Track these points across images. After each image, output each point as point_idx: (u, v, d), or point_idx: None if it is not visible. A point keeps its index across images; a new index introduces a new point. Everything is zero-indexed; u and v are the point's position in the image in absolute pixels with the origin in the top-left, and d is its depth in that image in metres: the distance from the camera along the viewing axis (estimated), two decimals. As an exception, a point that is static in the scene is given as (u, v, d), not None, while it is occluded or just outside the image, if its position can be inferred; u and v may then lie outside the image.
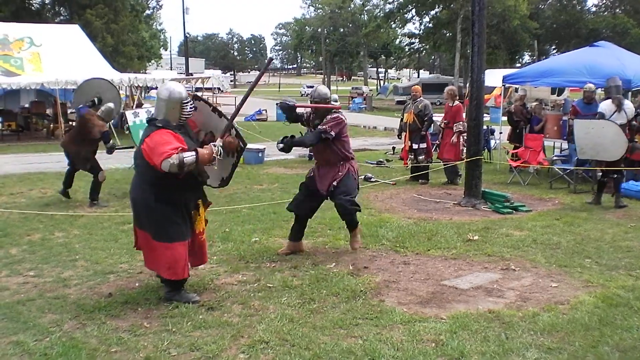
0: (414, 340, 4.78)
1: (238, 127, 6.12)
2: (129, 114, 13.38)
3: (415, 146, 12.84)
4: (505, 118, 15.80)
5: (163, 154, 5.15)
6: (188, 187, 5.58)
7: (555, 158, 13.06)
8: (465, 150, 11.65)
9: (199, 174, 5.62)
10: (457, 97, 13.20)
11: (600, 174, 10.40)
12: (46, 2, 42.19)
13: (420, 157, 12.81)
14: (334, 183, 7.11)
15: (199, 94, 11.05)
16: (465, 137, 12.07)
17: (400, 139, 13.95)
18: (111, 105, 10.64)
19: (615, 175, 10.24)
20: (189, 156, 5.23)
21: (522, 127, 14.50)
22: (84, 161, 10.31)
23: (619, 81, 10.57)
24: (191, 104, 5.59)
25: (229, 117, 5.88)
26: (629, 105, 10.46)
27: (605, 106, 10.35)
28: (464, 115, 12.90)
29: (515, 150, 14.00)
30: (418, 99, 12.92)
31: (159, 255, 5.54)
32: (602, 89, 11.77)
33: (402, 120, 13.44)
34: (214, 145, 5.54)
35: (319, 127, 7.03)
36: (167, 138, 5.27)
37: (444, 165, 12.47)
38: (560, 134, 13.74)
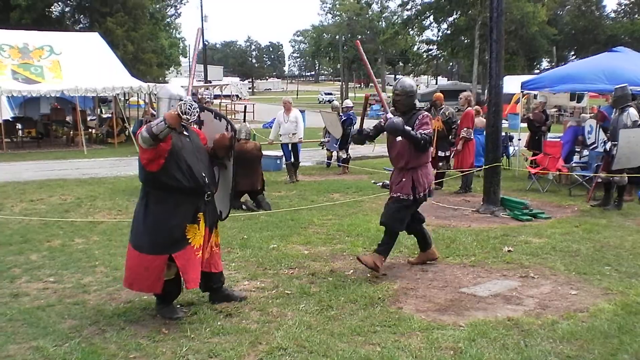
0: (432, 347, 4.75)
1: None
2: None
3: (441, 154, 12.63)
4: (524, 125, 15.75)
5: (138, 133, 5.07)
6: (182, 196, 5.23)
7: (574, 165, 12.96)
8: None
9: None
10: (473, 103, 13.08)
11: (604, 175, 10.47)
12: (66, 10, 42.69)
13: (440, 164, 12.73)
14: None
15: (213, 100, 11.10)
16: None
17: None
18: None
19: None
20: (156, 123, 4.97)
21: (541, 134, 14.46)
22: None
23: (628, 89, 10.56)
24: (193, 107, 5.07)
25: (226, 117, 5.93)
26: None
27: (636, 115, 10.29)
28: (479, 121, 12.90)
29: (534, 157, 13.91)
30: (443, 106, 12.79)
31: (132, 265, 5.35)
32: (611, 97, 11.61)
33: None
34: (181, 103, 5.00)
35: None
36: None
37: (462, 172, 12.40)
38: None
